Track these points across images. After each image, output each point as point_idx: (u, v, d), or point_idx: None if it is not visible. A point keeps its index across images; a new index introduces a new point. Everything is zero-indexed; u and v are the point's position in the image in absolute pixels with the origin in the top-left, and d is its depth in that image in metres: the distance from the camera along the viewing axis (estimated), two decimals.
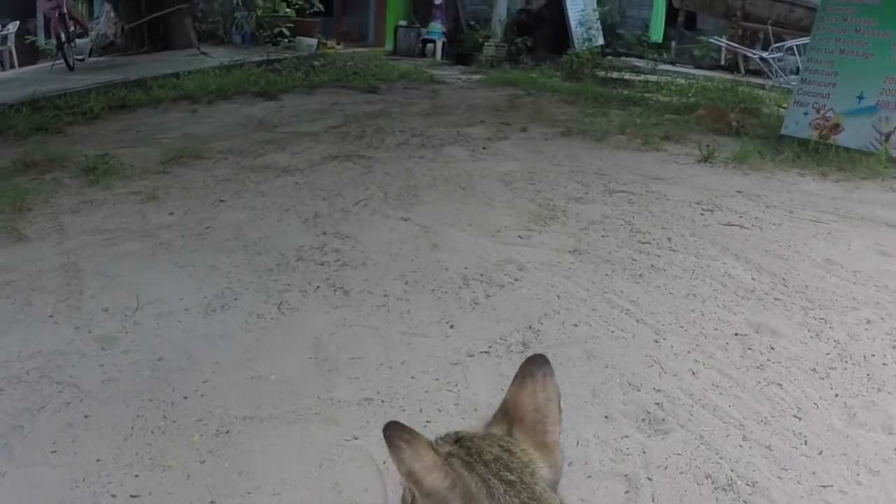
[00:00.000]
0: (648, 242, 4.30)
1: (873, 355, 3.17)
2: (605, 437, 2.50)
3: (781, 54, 10.93)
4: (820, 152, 6.96)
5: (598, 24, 13.85)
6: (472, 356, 2.98)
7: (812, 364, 3.07)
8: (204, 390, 2.71)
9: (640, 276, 3.82)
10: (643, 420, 2.62)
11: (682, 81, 10.09)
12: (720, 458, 2.44)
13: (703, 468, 2.38)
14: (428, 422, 2.51)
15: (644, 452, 2.44)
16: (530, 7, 14.21)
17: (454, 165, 5.95)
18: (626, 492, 2.25)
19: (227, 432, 2.48)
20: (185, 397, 2.66)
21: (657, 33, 14.41)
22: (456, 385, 2.77)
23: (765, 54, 11.20)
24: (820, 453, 2.49)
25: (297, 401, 2.66)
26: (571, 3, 13.15)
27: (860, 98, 7.07)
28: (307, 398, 2.68)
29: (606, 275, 3.79)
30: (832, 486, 2.33)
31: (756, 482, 2.33)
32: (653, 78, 10.77)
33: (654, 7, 14.43)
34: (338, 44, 13.96)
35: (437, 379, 2.81)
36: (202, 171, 5.54)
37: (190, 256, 3.93)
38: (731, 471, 2.37)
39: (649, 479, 2.32)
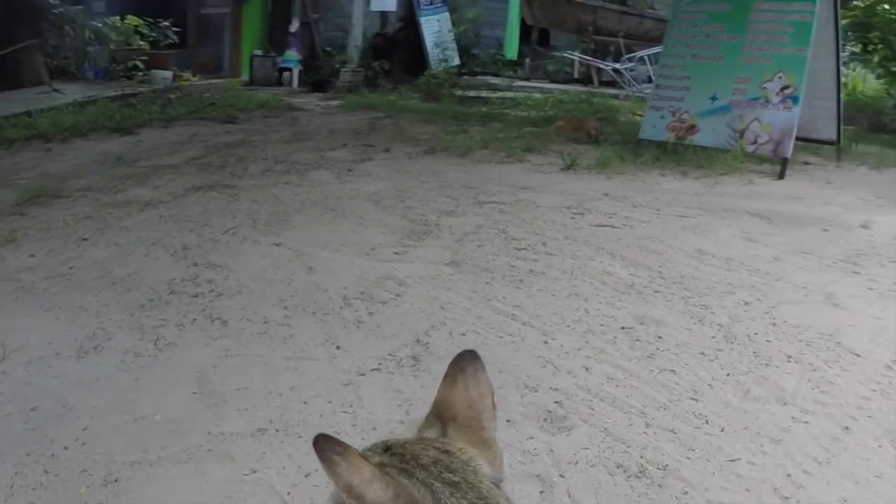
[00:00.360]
0: (524, 249, 4.33)
1: (756, 334, 3.31)
2: (510, 440, 2.45)
3: (633, 64, 11.53)
4: (678, 153, 7.31)
5: (454, 45, 14.07)
6: (362, 375, 2.86)
7: (700, 348, 3.16)
8: (85, 438, 2.46)
9: (521, 281, 3.83)
10: (545, 420, 2.59)
11: (539, 96, 10.40)
12: (627, 447, 2.43)
13: (613, 458, 2.37)
14: None
15: (552, 451, 2.41)
16: (386, 31, 14.26)
17: (321, 188, 5.82)
18: (542, 492, 2.20)
19: (116, 480, 2.25)
20: (66, 448, 2.41)
21: (511, 51, 14.82)
22: (350, 406, 2.64)
23: (617, 65, 11.77)
24: (722, 430, 2.55)
25: (186, 439, 2.45)
26: (426, 25, 13.32)
27: (713, 99, 7.49)
28: (197, 435, 2.47)
29: (487, 283, 3.77)
30: (740, 459, 2.39)
31: (667, 465, 2.34)
32: (510, 94, 11.04)
33: (507, 25, 14.84)
34: (193, 75, 13.52)
35: (330, 402, 2.68)
36: (61, 210, 5.16)
37: (55, 298, 3.61)
38: (641, 458, 2.37)
39: (562, 476, 2.28)
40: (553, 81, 13.10)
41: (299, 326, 3.32)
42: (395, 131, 8.47)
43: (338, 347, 3.11)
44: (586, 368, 2.99)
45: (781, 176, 7.10)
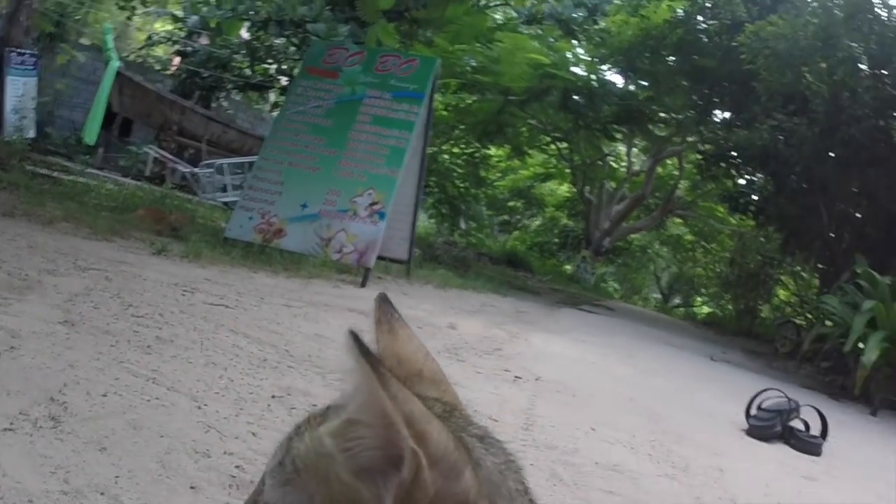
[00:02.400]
0: (143, 316, 3.72)
1: None
2: None
3: (211, 171, 11.27)
4: (265, 253, 7.19)
5: (34, 115, 12.34)
6: None
7: None
8: None
9: (149, 346, 3.24)
10: (230, 485, 2.13)
11: (113, 187, 9.51)
12: None
13: None
14: None
15: None
16: None
17: None
18: None
19: None
20: None
21: (91, 135, 13.34)
22: None
23: (195, 170, 11.41)
24: None
25: None
26: (11, 85, 11.47)
27: (304, 206, 7.61)
28: None
29: (112, 345, 3.11)
30: None
31: None
32: (82, 179, 9.91)
33: (93, 108, 13.44)
34: None
35: None
36: None
37: None
38: None
39: None
40: (125, 176, 12.16)
41: None
42: None
43: None
44: (252, 434, 2.59)
45: (363, 284, 7.44)
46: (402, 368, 0.76)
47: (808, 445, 5.19)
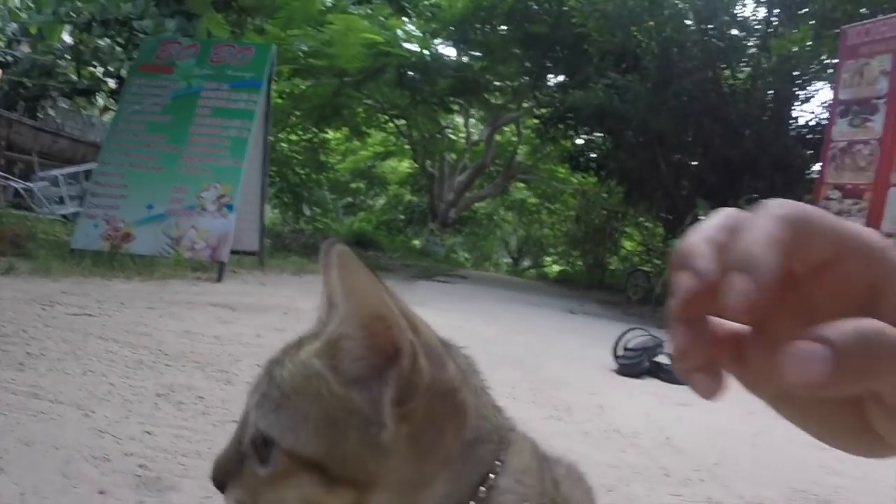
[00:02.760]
0: (6, 335, 3.57)
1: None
2: None
3: (46, 184, 10.61)
4: (117, 260, 6.95)
5: None
6: None
7: (243, 404, 3.06)
8: None
9: (21, 363, 3.14)
10: (138, 485, 2.16)
11: None
12: None
13: None
14: None
15: None
16: None
17: None
18: None
19: None
20: None
21: None
22: None
23: (29, 184, 10.69)
24: None
25: None
26: None
27: (150, 207, 7.37)
28: None
29: None
30: None
31: None
32: None
33: None
34: None
35: None
36: None
37: None
38: None
39: None
40: None
41: None
42: None
43: None
44: (147, 432, 2.60)
45: (220, 279, 7.34)
46: None
47: (677, 376, 5.67)
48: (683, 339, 0.41)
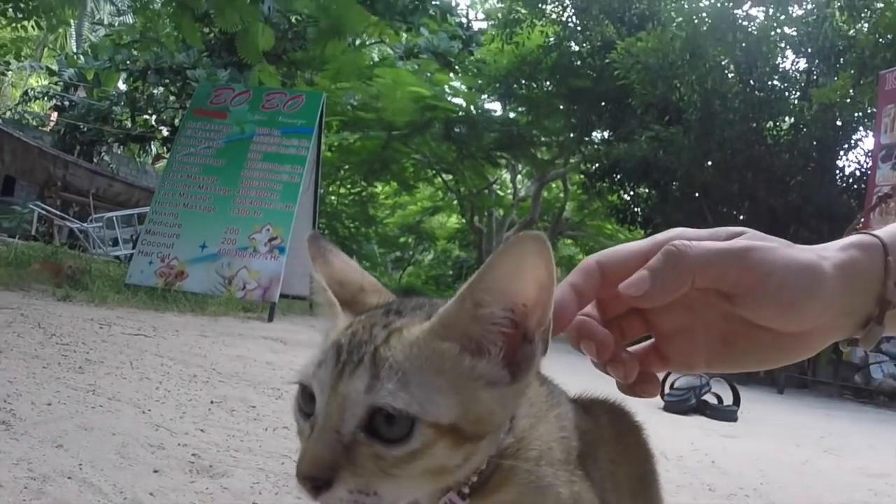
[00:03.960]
0: (67, 343, 3.67)
1: None
2: (172, 485, 1.99)
3: (101, 225, 10.92)
4: (170, 296, 7.09)
5: None
6: None
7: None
8: None
9: (81, 367, 3.21)
10: (192, 470, 2.18)
11: (2, 247, 9.09)
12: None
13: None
14: None
15: (226, 489, 2.05)
16: None
17: None
18: None
19: None
20: None
21: None
22: None
23: (84, 225, 11.02)
24: None
25: None
26: None
27: (203, 247, 7.53)
28: None
29: (44, 367, 3.06)
30: None
31: None
32: None
33: None
34: None
35: None
36: None
37: None
38: None
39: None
40: (11, 236, 11.56)
41: None
42: None
43: None
44: (201, 430, 2.63)
45: (270, 318, 7.41)
46: (346, 289, 0.87)
47: (724, 413, 5.56)
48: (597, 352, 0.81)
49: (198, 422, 2.74)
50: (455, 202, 25.92)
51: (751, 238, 0.84)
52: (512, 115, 19.79)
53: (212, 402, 3.10)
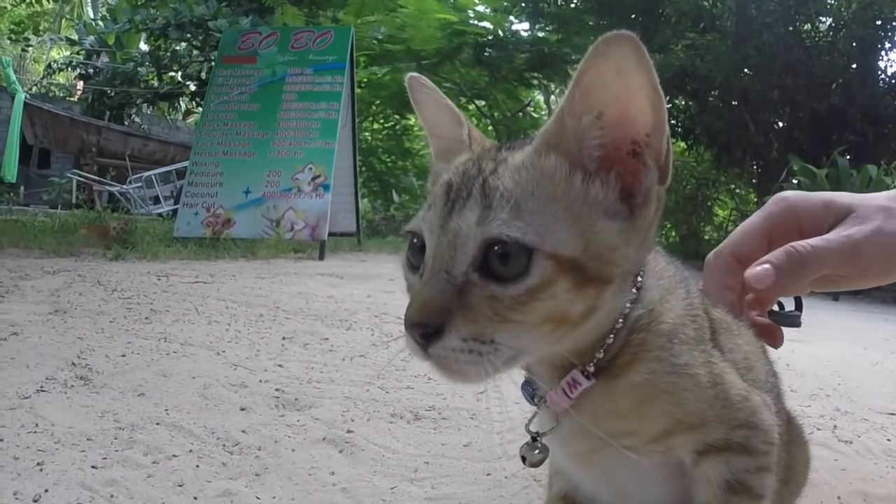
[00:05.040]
0: (129, 298, 3.62)
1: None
2: (261, 421, 1.91)
3: (141, 185, 10.94)
4: (220, 244, 7.06)
5: None
6: (26, 398, 1.95)
7: (368, 342, 3.08)
8: None
9: (147, 318, 3.15)
10: (277, 405, 2.09)
11: (45, 218, 9.15)
12: (385, 403, 2.16)
13: (382, 412, 2.08)
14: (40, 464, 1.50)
15: (318, 419, 1.96)
16: None
17: None
18: (341, 451, 1.74)
19: None
20: None
21: (10, 173, 12.66)
22: (35, 425, 1.75)
23: (123, 187, 11.05)
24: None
25: None
26: None
27: (247, 192, 7.47)
28: None
29: (111, 322, 3.00)
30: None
31: (433, 406, 2.17)
32: (11, 217, 9.51)
33: (7, 144, 12.80)
34: None
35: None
36: None
37: None
38: (405, 409, 2.13)
39: (350, 432, 1.86)
40: (53, 207, 11.68)
41: None
42: None
43: None
44: (279, 366, 2.55)
45: (321, 257, 7.36)
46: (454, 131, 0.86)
47: (789, 319, 5.33)
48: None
49: (274, 358, 2.66)
50: (490, 127, 25.49)
51: (859, 219, 1.00)
52: (541, 34, 19.19)
53: (283, 339, 3.03)
